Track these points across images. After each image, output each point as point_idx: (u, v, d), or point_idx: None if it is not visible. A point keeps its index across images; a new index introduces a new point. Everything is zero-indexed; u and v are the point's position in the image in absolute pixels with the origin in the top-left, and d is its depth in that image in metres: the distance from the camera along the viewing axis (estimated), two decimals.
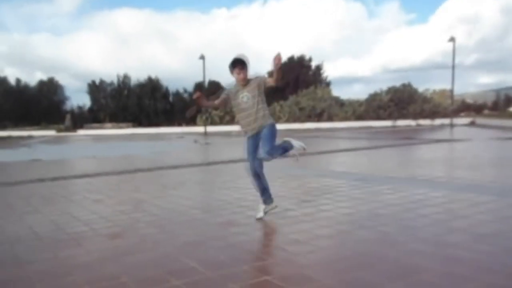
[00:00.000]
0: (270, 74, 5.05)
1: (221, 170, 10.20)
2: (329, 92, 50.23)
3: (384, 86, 49.65)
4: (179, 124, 55.30)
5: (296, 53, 61.22)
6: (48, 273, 3.48)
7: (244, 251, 4.05)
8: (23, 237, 4.58)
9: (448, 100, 40.37)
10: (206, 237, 4.39)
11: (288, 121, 44.36)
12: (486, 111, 49.29)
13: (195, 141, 23.31)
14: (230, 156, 12.80)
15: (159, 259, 3.72)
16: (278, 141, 4.97)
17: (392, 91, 43.89)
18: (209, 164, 11.46)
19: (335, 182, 7.53)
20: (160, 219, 5.21)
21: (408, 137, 20.75)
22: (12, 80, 66.70)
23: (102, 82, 67.43)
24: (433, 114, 40.44)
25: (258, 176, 5.02)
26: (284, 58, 49.64)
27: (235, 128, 37.53)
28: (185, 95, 68.10)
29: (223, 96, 5.01)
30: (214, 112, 46.86)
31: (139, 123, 59.82)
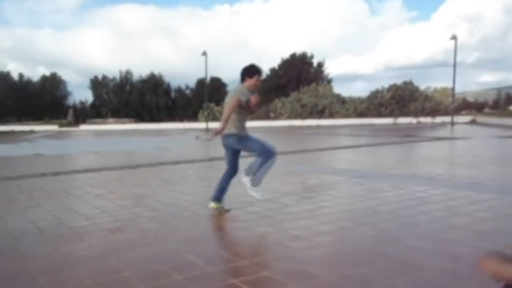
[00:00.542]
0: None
1: (222, 166, 10.12)
2: (330, 89, 50.15)
3: (386, 84, 49.51)
4: (181, 120, 55.31)
5: (298, 50, 61.26)
6: (50, 267, 3.51)
7: (244, 246, 4.08)
8: (26, 232, 4.61)
9: (449, 98, 40.28)
10: (207, 232, 4.42)
11: (289, 117, 44.38)
12: (487, 110, 49.16)
13: (197, 137, 23.32)
14: None
15: (160, 253, 3.74)
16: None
17: (394, 88, 43.84)
18: (210, 160, 11.48)
19: (336, 179, 7.55)
20: (162, 214, 5.23)
21: (409, 135, 20.75)
22: (15, 75, 66.73)
23: (104, 77, 67.41)
24: (434, 112, 40.41)
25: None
26: (286, 55, 49.47)
27: None
28: (187, 91, 68.07)
29: (243, 98, 4.93)
30: (215, 108, 46.85)
31: (141, 118, 59.81)
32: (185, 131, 35.08)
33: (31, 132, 40.45)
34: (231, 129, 4.97)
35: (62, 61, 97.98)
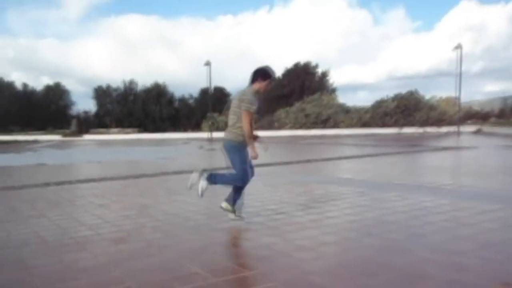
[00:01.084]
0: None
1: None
2: (334, 99, 50.18)
3: (390, 93, 49.46)
4: (185, 130, 55.42)
5: (302, 60, 61.23)
6: (52, 277, 3.48)
7: (249, 256, 4.04)
8: (28, 241, 4.58)
9: (454, 108, 40.20)
10: (211, 242, 4.37)
11: (293, 127, 44.37)
12: (492, 119, 48.97)
13: (201, 147, 23.34)
14: None
15: (163, 264, 3.71)
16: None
17: (398, 98, 43.78)
18: (214, 169, 11.44)
19: (341, 189, 7.50)
20: (165, 224, 5.20)
21: (414, 144, 20.67)
22: (19, 85, 67.28)
23: (108, 87, 67.81)
24: (439, 122, 40.28)
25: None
26: (290, 65, 49.59)
27: None
28: (191, 101, 68.31)
29: (254, 108, 4.81)
30: (219, 118, 46.91)
31: (144, 128, 60.01)
32: (189, 140, 35.12)
33: (35, 141, 40.59)
34: (230, 135, 4.88)
35: (66, 71, 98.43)
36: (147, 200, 6.92)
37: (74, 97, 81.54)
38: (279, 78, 59.96)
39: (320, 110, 45.05)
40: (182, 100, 69.10)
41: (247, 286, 3.16)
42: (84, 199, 7.25)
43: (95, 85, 68.97)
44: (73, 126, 53.66)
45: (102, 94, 67.72)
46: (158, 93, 65.87)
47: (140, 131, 55.78)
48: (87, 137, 49.39)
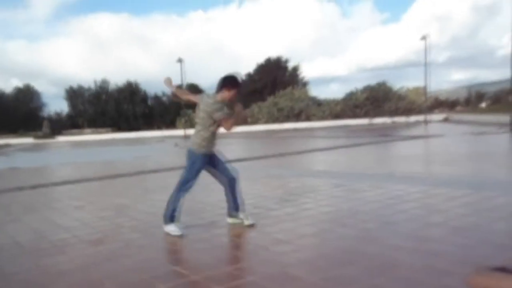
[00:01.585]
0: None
1: (202, 173, 10.16)
2: (306, 92, 50.57)
3: (360, 85, 50.22)
4: (159, 128, 54.91)
5: (273, 55, 61.39)
6: (31, 282, 3.46)
7: (227, 252, 4.10)
8: (5, 247, 4.53)
9: (422, 97, 41.09)
10: (190, 239, 4.41)
11: (267, 122, 44.53)
12: (459, 107, 50.23)
13: (176, 145, 23.19)
14: None
15: (143, 263, 3.72)
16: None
17: (368, 90, 44.50)
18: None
19: (315, 181, 7.62)
20: (143, 224, 5.20)
21: (385, 134, 21.05)
22: None
23: (80, 87, 66.48)
24: (408, 111, 41.05)
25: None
26: (262, 60, 49.38)
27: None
28: (164, 98, 67.63)
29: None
30: (193, 114, 46.63)
31: (118, 128, 59.15)
32: (163, 138, 34.85)
33: (7, 145, 39.58)
34: (194, 144, 4.70)
35: (36, 72, 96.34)
36: (124, 200, 6.89)
37: (45, 99, 79.78)
38: (250, 73, 60.00)
39: (292, 104, 45.35)
40: (156, 98, 68.34)
41: (227, 281, 3.21)
42: (60, 202, 7.17)
43: (67, 85, 67.55)
44: (45, 128, 52.51)
45: (73, 94, 66.33)
46: (131, 91, 64.96)
47: (114, 131, 55.00)
48: (60, 138, 48.45)
